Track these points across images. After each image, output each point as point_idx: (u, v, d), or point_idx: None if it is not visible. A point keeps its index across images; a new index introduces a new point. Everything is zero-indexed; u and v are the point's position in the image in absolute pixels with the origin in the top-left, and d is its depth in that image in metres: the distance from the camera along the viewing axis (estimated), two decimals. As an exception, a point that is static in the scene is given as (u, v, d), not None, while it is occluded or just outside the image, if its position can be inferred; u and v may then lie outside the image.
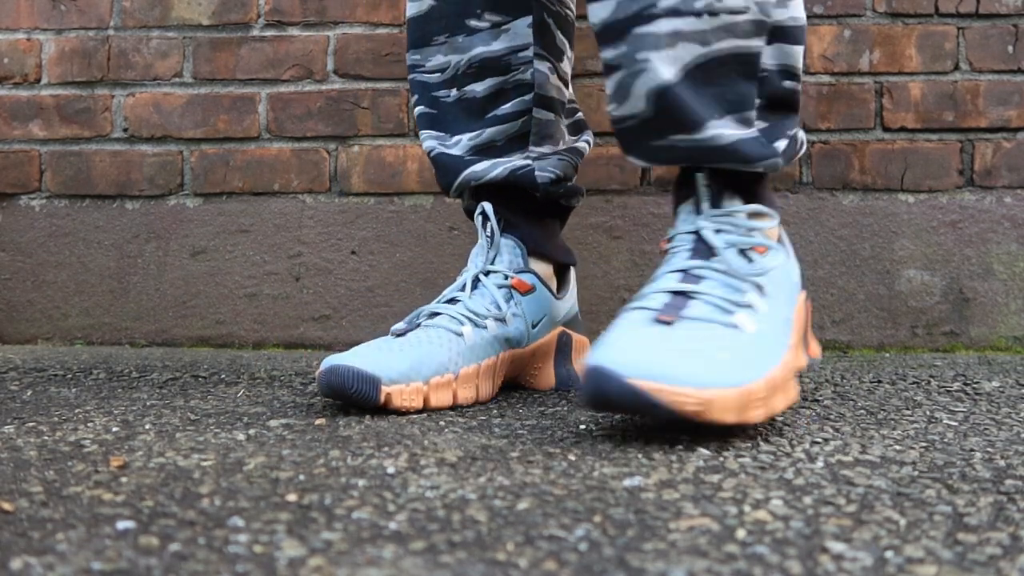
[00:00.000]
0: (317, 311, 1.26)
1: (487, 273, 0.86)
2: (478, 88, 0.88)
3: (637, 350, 0.61)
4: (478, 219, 0.88)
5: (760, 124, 0.73)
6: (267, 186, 1.27)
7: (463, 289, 0.85)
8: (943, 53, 1.21)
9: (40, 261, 1.29)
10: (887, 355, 1.17)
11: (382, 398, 0.73)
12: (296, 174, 1.27)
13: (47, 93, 1.29)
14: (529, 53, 0.87)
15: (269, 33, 1.27)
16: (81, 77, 1.29)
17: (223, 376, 0.97)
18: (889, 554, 0.42)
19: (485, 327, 0.82)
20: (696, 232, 0.71)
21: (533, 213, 0.90)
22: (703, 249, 0.70)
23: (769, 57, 0.73)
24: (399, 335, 0.80)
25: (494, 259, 0.87)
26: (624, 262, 1.23)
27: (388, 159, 1.26)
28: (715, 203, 0.72)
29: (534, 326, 0.87)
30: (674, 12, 0.69)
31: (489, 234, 0.87)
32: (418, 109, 0.92)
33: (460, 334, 0.80)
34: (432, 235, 1.25)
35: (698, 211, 0.72)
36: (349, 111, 1.26)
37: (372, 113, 1.26)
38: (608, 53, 0.72)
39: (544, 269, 0.90)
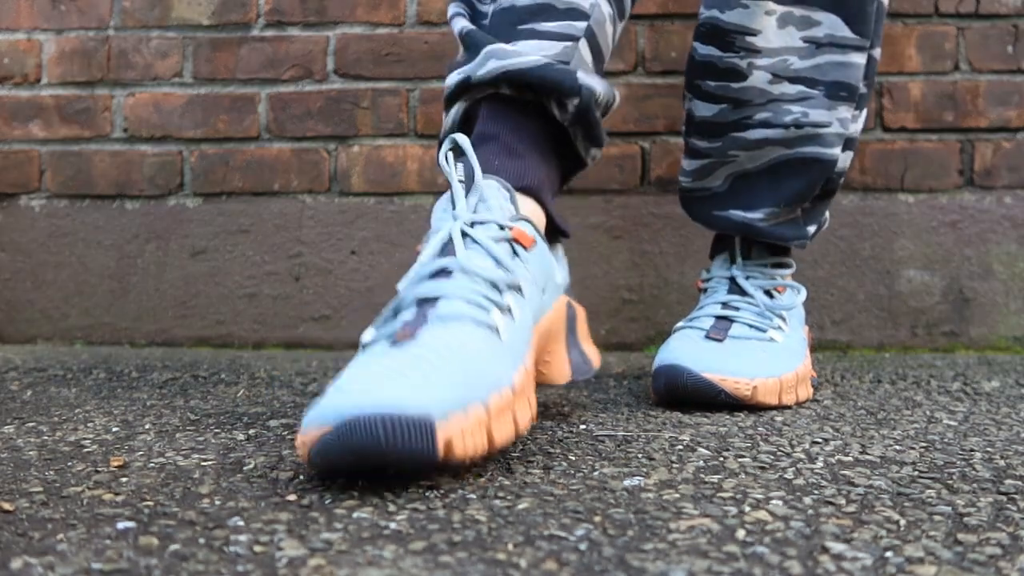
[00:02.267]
0: (317, 311, 1.26)
1: (472, 225, 0.62)
2: None
3: (700, 353, 0.78)
4: (446, 156, 0.66)
5: (804, 207, 0.88)
6: (267, 186, 1.27)
7: (448, 252, 0.60)
8: (943, 53, 1.21)
9: (40, 261, 1.29)
10: (887, 355, 1.17)
11: (441, 447, 0.48)
12: (296, 174, 1.27)
13: (47, 93, 1.29)
14: None
15: (269, 33, 1.27)
16: (81, 77, 1.29)
17: (223, 376, 0.97)
18: (889, 554, 0.42)
19: (510, 308, 0.59)
20: (731, 277, 0.87)
21: (539, 144, 0.72)
22: (737, 289, 0.86)
23: (840, 162, 0.86)
24: (400, 340, 0.54)
25: (476, 207, 0.64)
26: (624, 262, 1.23)
27: (388, 159, 1.26)
28: (746, 256, 0.88)
29: (542, 292, 0.66)
30: (766, 124, 0.83)
31: (462, 177, 0.64)
32: (451, 7, 0.78)
33: (494, 327, 0.57)
34: (432, 235, 1.25)
35: (732, 261, 0.88)
36: (349, 111, 1.26)
37: (372, 113, 1.26)
38: (701, 143, 0.87)
39: (534, 211, 0.70)
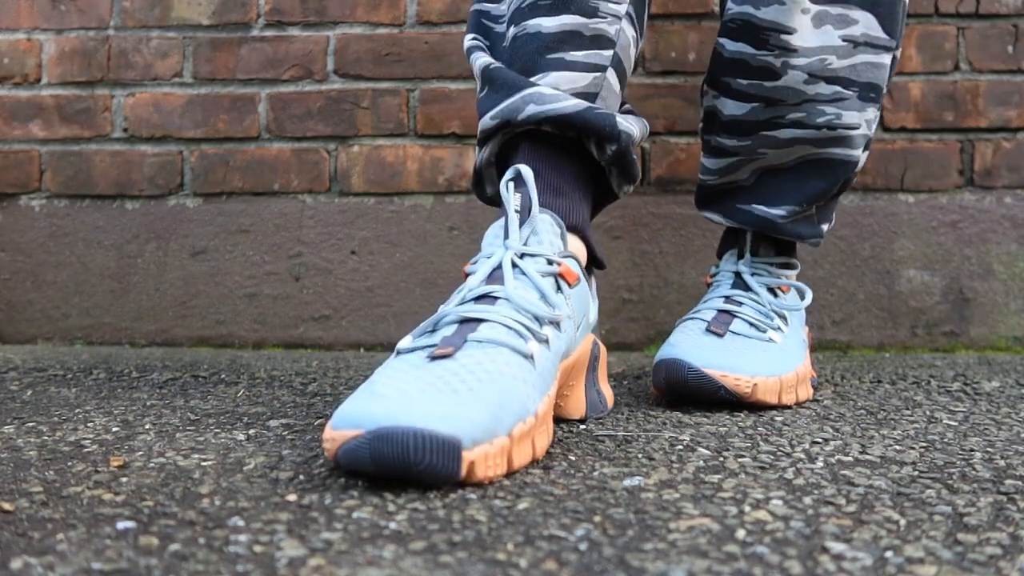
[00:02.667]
0: (317, 311, 1.26)
1: (522, 256, 0.64)
2: (546, 23, 0.71)
3: (703, 349, 0.78)
4: (507, 185, 0.67)
5: (819, 205, 0.88)
6: (267, 186, 1.27)
7: (496, 279, 0.62)
8: (943, 53, 1.21)
9: (40, 261, 1.29)
10: (887, 355, 1.17)
11: (464, 469, 0.50)
12: (296, 174, 1.27)
13: (47, 93, 1.29)
14: (621, 9, 0.73)
15: (269, 33, 1.27)
16: (81, 77, 1.29)
17: (223, 376, 0.97)
18: (889, 554, 0.42)
19: (547, 340, 0.61)
20: (736, 272, 0.88)
21: (578, 184, 0.73)
22: (741, 284, 0.87)
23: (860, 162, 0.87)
24: (439, 357, 0.56)
25: (528, 239, 0.65)
26: (624, 262, 1.23)
27: (388, 159, 1.26)
28: (754, 252, 0.89)
29: (577, 328, 0.68)
30: (798, 124, 0.83)
31: (518, 208, 0.66)
32: (470, 42, 0.78)
33: (530, 356, 0.58)
34: (432, 235, 1.25)
35: (740, 256, 0.89)
36: (349, 111, 1.26)
37: (372, 113, 1.26)
38: (729, 142, 0.86)
39: (579, 248, 0.72)
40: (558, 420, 0.70)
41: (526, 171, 0.66)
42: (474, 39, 0.77)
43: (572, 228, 0.71)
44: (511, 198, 0.66)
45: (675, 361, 0.77)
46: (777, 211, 0.86)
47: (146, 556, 0.41)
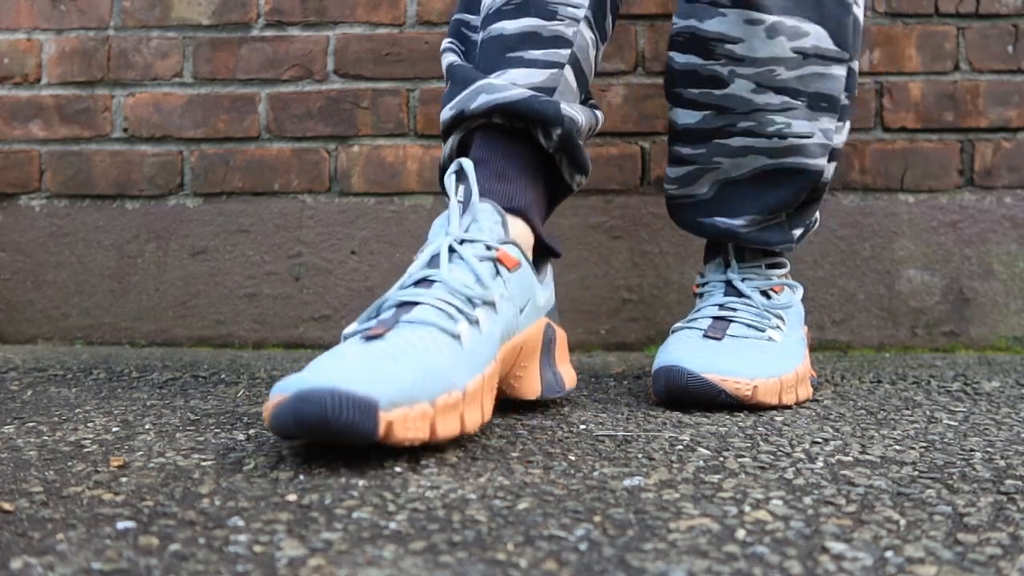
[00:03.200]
0: (317, 311, 1.26)
1: (462, 242, 0.68)
2: (509, 26, 0.77)
3: (699, 354, 0.78)
4: (450, 177, 0.72)
5: (789, 212, 0.88)
6: (267, 186, 1.27)
7: (435, 264, 0.66)
8: (943, 53, 1.21)
9: (40, 261, 1.29)
10: (887, 355, 1.17)
11: (381, 429, 0.53)
12: (296, 174, 1.27)
13: (47, 93, 1.29)
14: (579, 12, 0.78)
15: (269, 33, 1.27)
16: (81, 77, 1.29)
17: (223, 376, 0.97)
18: (889, 554, 0.42)
19: (478, 321, 0.64)
20: (727, 281, 0.88)
21: (529, 174, 0.77)
22: (734, 291, 0.87)
23: (825, 172, 0.87)
24: (373, 337, 0.60)
25: (468, 227, 0.70)
26: (624, 262, 1.23)
27: (388, 159, 1.26)
28: (740, 259, 0.88)
29: (520, 311, 0.71)
30: (749, 133, 0.84)
31: (461, 198, 0.71)
32: (445, 43, 0.83)
33: (457, 336, 0.62)
34: (432, 235, 1.25)
35: (727, 265, 0.88)
36: (349, 111, 1.26)
37: (372, 113, 1.26)
38: (685, 150, 0.87)
39: (523, 233, 0.75)
40: (518, 401, 0.73)
41: (467, 163, 0.71)
42: (450, 43, 0.83)
43: (514, 211, 0.74)
44: (452, 190, 0.71)
45: (674, 368, 0.77)
46: (737, 221, 0.86)
47: (146, 556, 0.41)
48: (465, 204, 0.70)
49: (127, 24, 1.28)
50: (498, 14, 0.78)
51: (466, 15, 0.84)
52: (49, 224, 1.29)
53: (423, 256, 0.67)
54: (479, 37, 0.80)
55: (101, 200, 1.29)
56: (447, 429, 0.58)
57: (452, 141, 0.79)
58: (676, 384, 0.77)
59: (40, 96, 1.29)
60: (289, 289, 1.27)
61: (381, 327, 0.60)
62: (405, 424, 0.54)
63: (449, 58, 0.81)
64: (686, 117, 0.86)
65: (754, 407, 0.78)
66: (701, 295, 0.90)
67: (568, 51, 0.77)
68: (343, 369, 0.54)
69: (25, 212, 1.29)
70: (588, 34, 0.79)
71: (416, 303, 0.63)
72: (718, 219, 0.87)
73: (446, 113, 0.77)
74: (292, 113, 1.27)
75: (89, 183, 1.29)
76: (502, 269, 0.68)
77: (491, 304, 0.65)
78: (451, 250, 0.67)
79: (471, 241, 0.68)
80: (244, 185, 1.27)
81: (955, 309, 1.21)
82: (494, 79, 0.75)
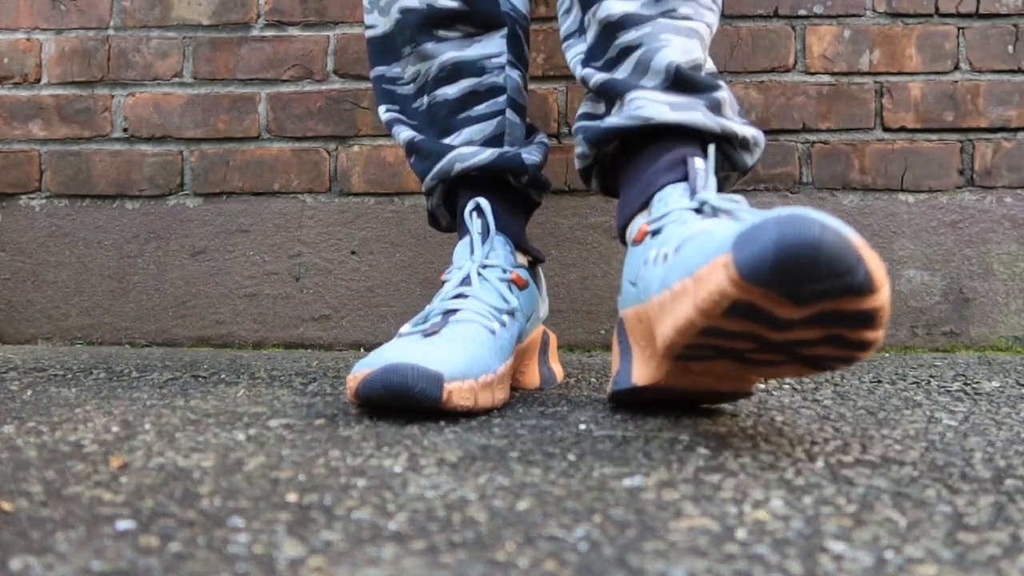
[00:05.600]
0: (317, 311, 1.26)
1: (484, 267, 0.85)
2: (451, 91, 0.90)
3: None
4: (469, 215, 0.87)
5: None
6: (267, 186, 1.27)
7: (466, 284, 0.83)
8: (943, 53, 1.21)
9: (40, 261, 1.29)
10: (887, 355, 1.17)
11: (444, 396, 0.69)
12: (296, 174, 1.27)
13: (47, 93, 1.29)
14: (502, 60, 0.90)
15: (269, 33, 1.27)
16: (81, 77, 1.29)
17: (223, 376, 0.97)
18: (889, 554, 0.42)
19: (505, 324, 0.81)
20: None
21: (509, 206, 0.91)
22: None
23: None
24: (431, 334, 0.76)
25: (488, 254, 0.86)
26: (624, 262, 1.22)
27: (388, 159, 1.26)
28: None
29: (527, 320, 0.88)
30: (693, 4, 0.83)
31: (481, 230, 0.86)
32: (387, 115, 0.93)
33: (493, 331, 0.79)
34: (432, 235, 1.25)
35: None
36: (349, 111, 1.26)
37: (372, 113, 1.26)
38: (630, 35, 0.80)
39: (522, 258, 0.92)
40: (524, 391, 0.89)
41: (484, 203, 0.87)
42: (388, 111, 0.93)
43: (517, 247, 0.90)
44: (474, 224, 0.87)
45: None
46: (714, 95, 0.79)
47: (146, 556, 0.41)
48: (483, 235, 0.86)
49: (127, 24, 1.28)
50: (437, 82, 0.90)
51: (380, 68, 0.92)
52: (49, 224, 1.29)
53: (455, 277, 0.84)
54: (423, 99, 0.91)
55: (101, 200, 1.29)
56: (484, 400, 0.74)
57: (436, 197, 0.93)
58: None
59: (40, 96, 1.29)
60: (289, 289, 1.26)
61: (435, 327, 0.78)
62: (460, 394, 0.70)
63: (404, 132, 0.92)
64: (624, 6, 0.80)
65: (714, 407, 0.77)
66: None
67: (504, 96, 0.90)
68: (414, 352, 0.70)
69: (25, 212, 1.29)
70: (514, 73, 0.91)
71: (458, 310, 0.80)
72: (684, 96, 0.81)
73: (428, 182, 0.91)
74: (292, 113, 1.27)
75: (89, 183, 1.29)
76: (515, 288, 0.86)
77: (511, 313, 0.83)
78: (478, 273, 0.84)
79: (491, 266, 0.85)
80: (244, 185, 1.27)
81: (955, 309, 1.21)
82: (460, 147, 0.89)
